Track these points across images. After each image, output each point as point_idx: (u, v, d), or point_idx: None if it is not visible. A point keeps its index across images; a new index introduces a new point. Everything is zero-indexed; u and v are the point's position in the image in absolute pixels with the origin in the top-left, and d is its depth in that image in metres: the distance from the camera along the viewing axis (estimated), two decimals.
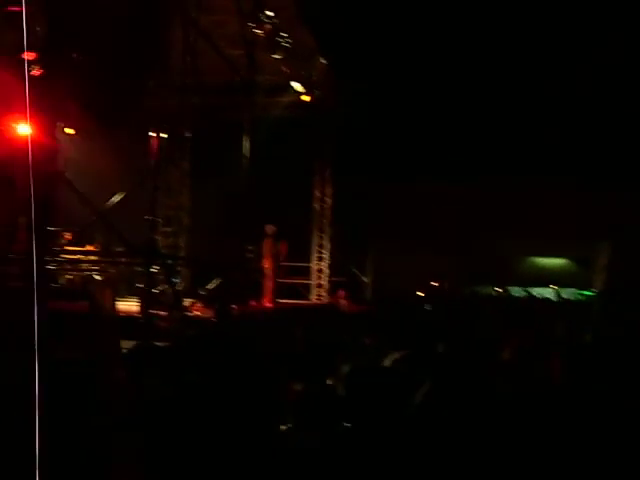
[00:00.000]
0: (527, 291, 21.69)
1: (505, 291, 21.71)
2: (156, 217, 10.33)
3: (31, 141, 9.42)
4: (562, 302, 15.80)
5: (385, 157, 23.11)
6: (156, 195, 10.15)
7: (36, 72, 11.74)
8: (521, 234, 24.84)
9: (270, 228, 14.36)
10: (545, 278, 24.38)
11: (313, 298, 18.38)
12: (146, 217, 9.85)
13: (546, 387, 4.82)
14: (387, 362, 5.33)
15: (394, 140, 23.21)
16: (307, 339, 7.15)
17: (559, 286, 20.17)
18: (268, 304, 14.23)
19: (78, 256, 12.76)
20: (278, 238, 14.37)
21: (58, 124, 8.08)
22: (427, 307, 12.09)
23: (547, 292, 20.70)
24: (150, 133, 10.60)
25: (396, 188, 24.29)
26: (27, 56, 12.51)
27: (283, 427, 4.56)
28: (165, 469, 4.44)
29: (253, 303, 13.76)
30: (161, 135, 10.45)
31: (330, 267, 18.60)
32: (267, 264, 14.32)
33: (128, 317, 9.44)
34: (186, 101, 12.93)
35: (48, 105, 7.27)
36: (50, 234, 9.40)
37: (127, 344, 6.77)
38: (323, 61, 17.36)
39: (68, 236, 12.92)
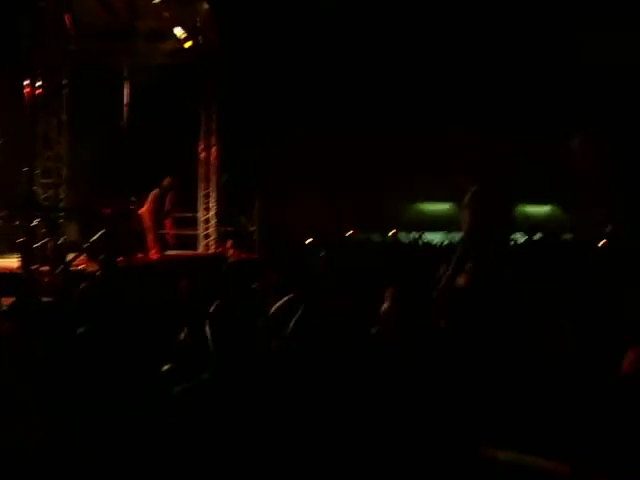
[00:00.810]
0: (415, 236, 22.24)
1: (395, 236, 22.16)
2: (34, 169, 9.92)
3: None
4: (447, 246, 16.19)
5: (273, 103, 23.00)
6: (34, 146, 9.73)
7: None
8: (410, 181, 25.38)
9: (167, 180, 14.08)
10: (436, 223, 25.08)
11: (201, 249, 18.23)
12: (24, 169, 9.46)
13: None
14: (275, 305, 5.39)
15: (281, 85, 23.10)
16: (191, 288, 7.11)
17: (449, 230, 20.57)
18: (155, 256, 14.02)
19: None
20: (167, 189, 14.12)
21: None
22: (322, 253, 12.14)
23: (436, 237, 21.26)
24: (25, 82, 10.10)
25: (285, 134, 24.27)
26: None
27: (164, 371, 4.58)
28: (56, 421, 4.37)
29: (140, 255, 13.54)
30: (37, 84, 9.97)
31: (217, 217, 18.45)
32: (145, 213, 14.04)
33: (8, 273, 9.16)
34: (63, 47, 12.44)
35: None
36: None
37: (8, 301, 6.59)
38: (206, 5, 16.96)
39: None
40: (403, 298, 5.28)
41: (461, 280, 7.66)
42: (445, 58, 23.27)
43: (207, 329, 2.85)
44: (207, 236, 18.33)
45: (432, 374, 4.13)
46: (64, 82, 13.87)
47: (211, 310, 2.84)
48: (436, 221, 25.74)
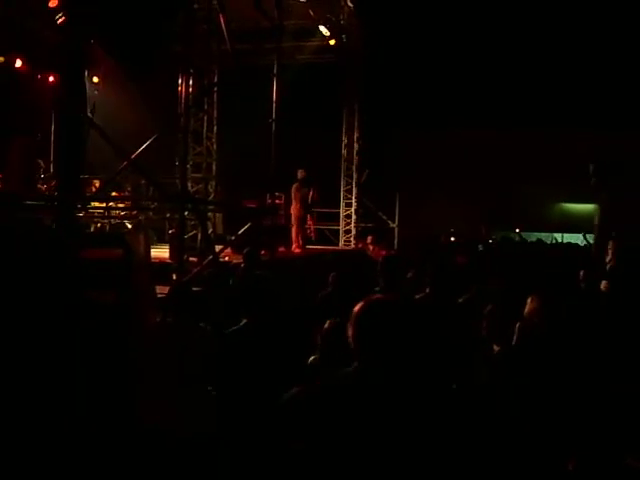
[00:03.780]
0: (554, 237, 21.63)
1: (520, 236, 21.60)
2: (186, 163, 10.31)
3: (58, 88, 9.44)
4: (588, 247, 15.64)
5: (413, 102, 22.96)
6: (186, 142, 10.12)
7: (61, 20, 11.76)
8: (549, 180, 24.70)
9: (301, 172, 14.34)
10: (574, 224, 24.26)
11: (342, 244, 18.45)
12: (176, 164, 9.85)
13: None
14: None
15: (422, 85, 23.02)
16: (336, 282, 7.23)
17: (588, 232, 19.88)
18: (297, 250, 14.30)
19: (110, 203, 12.85)
20: (307, 183, 14.35)
21: (85, 72, 8.04)
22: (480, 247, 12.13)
23: (576, 238, 20.56)
24: (179, 80, 10.50)
25: (424, 133, 24.18)
26: (52, 3, 12.59)
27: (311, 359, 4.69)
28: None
29: (282, 249, 13.83)
30: (189, 82, 10.36)
31: (358, 213, 18.62)
32: (295, 210, 14.34)
33: (160, 263, 9.53)
34: (213, 46, 12.86)
35: (74, 52, 7.24)
36: (80, 181, 9.42)
37: (161, 289, 6.90)
38: (350, 4, 17.14)
39: (97, 183, 13.00)
40: (549, 301, 5.19)
41: (604, 284, 7.47)
42: (591, 54, 22.59)
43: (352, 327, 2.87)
44: (348, 231, 18.53)
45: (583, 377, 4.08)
46: (215, 80, 14.38)
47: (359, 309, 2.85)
48: (579, 222, 24.92)
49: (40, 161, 12.53)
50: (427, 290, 5.81)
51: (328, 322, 4.65)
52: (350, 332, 2.85)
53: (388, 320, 2.80)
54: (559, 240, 21.24)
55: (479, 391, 4.31)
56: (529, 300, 5.24)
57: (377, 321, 2.81)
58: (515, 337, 4.97)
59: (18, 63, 15.03)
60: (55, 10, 12.29)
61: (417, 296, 5.74)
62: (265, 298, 5.43)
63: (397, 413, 2.65)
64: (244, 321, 5.29)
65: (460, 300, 6.11)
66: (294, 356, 4.90)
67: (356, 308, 2.88)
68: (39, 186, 12.14)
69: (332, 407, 2.70)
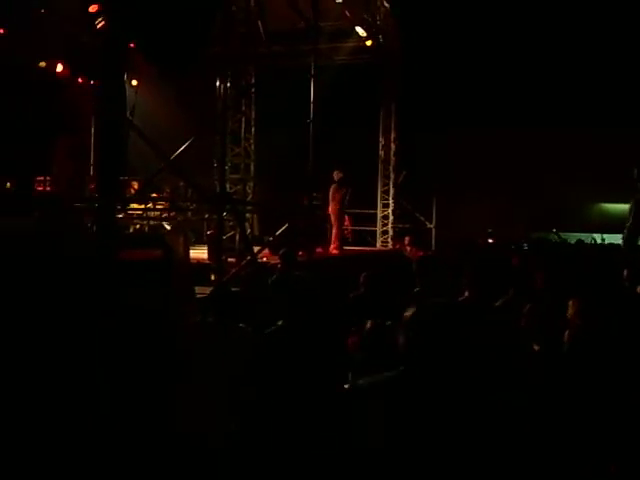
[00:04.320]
0: (593, 237, 21.34)
1: (558, 236, 21.35)
2: (224, 164, 10.38)
3: (98, 92, 9.58)
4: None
5: (450, 102, 22.85)
6: (224, 143, 10.18)
7: (101, 24, 11.92)
8: (588, 180, 24.43)
9: (337, 174, 14.34)
10: (614, 224, 23.94)
11: (379, 245, 18.43)
12: (214, 165, 9.92)
13: None
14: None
15: (459, 85, 22.91)
16: (371, 282, 7.17)
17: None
18: (334, 251, 14.30)
19: (149, 204, 12.97)
20: (344, 184, 14.34)
21: (124, 75, 8.14)
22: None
23: (617, 239, 20.27)
24: (217, 82, 10.59)
25: (461, 133, 24.05)
26: (92, 9, 12.76)
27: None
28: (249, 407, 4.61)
29: (319, 250, 13.85)
30: (227, 84, 10.43)
31: (395, 214, 18.59)
32: (333, 211, 14.34)
33: (199, 264, 9.60)
34: (250, 48, 12.93)
35: (114, 56, 7.32)
36: (120, 183, 9.54)
37: (200, 290, 6.96)
38: (386, 5, 17.12)
39: (136, 185, 13.13)
40: (590, 306, 5.15)
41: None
42: (619, 55, 22.37)
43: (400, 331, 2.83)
44: (385, 232, 18.50)
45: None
46: (252, 82, 14.45)
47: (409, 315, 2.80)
48: (619, 222, 24.60)
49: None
50: (466, 293, 5.75)
51: (369, 322, 4.63)
52: (401, 336, 2.80)
53: (442, 326, 2.74)
54: (598, 241, 20.94)
55: (527, 394, 4.26)
56: (570, 304, 5.20)
57: (431, 327, 2.75)
58: (565, 341, 4.91)
59: (59, 68, 15.27)
60: (95, 15, 12.45)
61: (459, 299, 5.68)
62: (302, 299, 5.44)
63: (444, 420, 2.62)
64: (280, 322, 5.31)
65: (498, 303, 6.03)
66: (329, 357, 4.91)
67: (407, 312, 2.82)
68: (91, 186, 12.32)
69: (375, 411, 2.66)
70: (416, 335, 2.73)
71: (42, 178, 12.75)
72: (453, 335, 2.71)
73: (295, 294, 5.50)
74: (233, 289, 6.12)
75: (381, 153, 18.59)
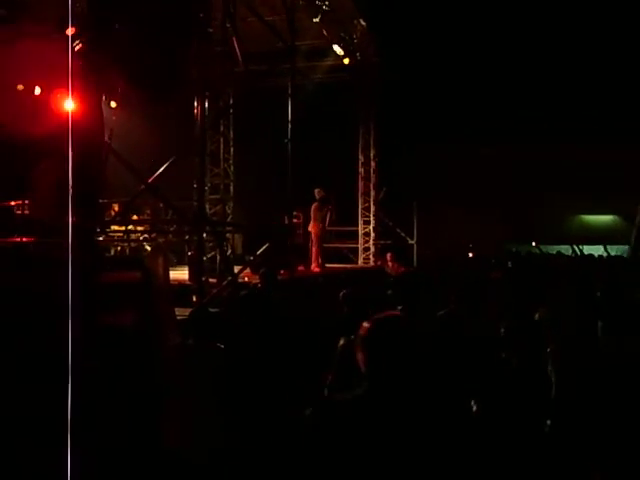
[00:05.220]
0: (573, 249, 21.45)
1: (539, 249, 21.46)
2: (204, 185, 10.39)
3: (76, 114, 9.56)
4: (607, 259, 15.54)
5: (429, 119, 23.00)
6: (203, 164, 10.19)
7: (79, 47, 11.92)
8: (568, 192, 24.65)
9: (318, 192, 14.37)
10: (593, 236, 24.11)
11: (361, 262, 18.46)
12: (194, 185, 9.91)
13: None
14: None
15: (437, 100, 23.07)
16: (350, 299, 7.16)
17: (609, 243, 19.79)
18: (316, 269, 14.31)
19: (129, 226, 12.95)
20: (326, 202, 14.37)
21: (103, 98, 8.16)
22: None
23: (596, 250, 20.39)
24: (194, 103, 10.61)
25: (440, 150, 24.20)
26: (70, 31, 12.75)
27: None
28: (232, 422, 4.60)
29: (301, 268, 13.85)
30: (205, 105, 10.46)
31: (376, 230, 18.63)
32: (314, 229, 14.35)
33: (180, 285, 9.58)
34: (228, 68, 12.96)
35: (92, 79, 7.34)
36: (100, 206, 9.53)
37: (181, 311, 6.95)
38: (363, 23, 17.23)
39: (116, 207, 13.11)
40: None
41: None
42: (610, 72, 22.60)
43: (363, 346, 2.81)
44: (367, 249, 18.54)
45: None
46: (230, 102, 14.47)
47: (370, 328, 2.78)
48: (597, 234, 24.80)
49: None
50: (451, 306, 5.80)
51: (342, 339, 4.63)
52: (358, 353, 2.78)
53: (395, 340, 2.72)
54: (578, 252, 21.07)
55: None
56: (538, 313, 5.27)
57: (384, 342, 2.72)
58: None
59: (37, 90, 15.22)
60: (72, 37, 12.44)
61: (440, 312, 5.71)
62: (276, 324, 5.46)
63: (404, 438, 2.60)
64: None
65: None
66: (308, 376, 4.91)
67: (362, 329, 2.79)
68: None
69: (342, 431, 2.65)
70: (375, 351, 2.72)
71: (20, 202, 12.68)
72: (409, 348, 2.70)
73: (269, 320, 5.52)
74: (212, 310, 6.12)
75: (361, 170, 18.66)
